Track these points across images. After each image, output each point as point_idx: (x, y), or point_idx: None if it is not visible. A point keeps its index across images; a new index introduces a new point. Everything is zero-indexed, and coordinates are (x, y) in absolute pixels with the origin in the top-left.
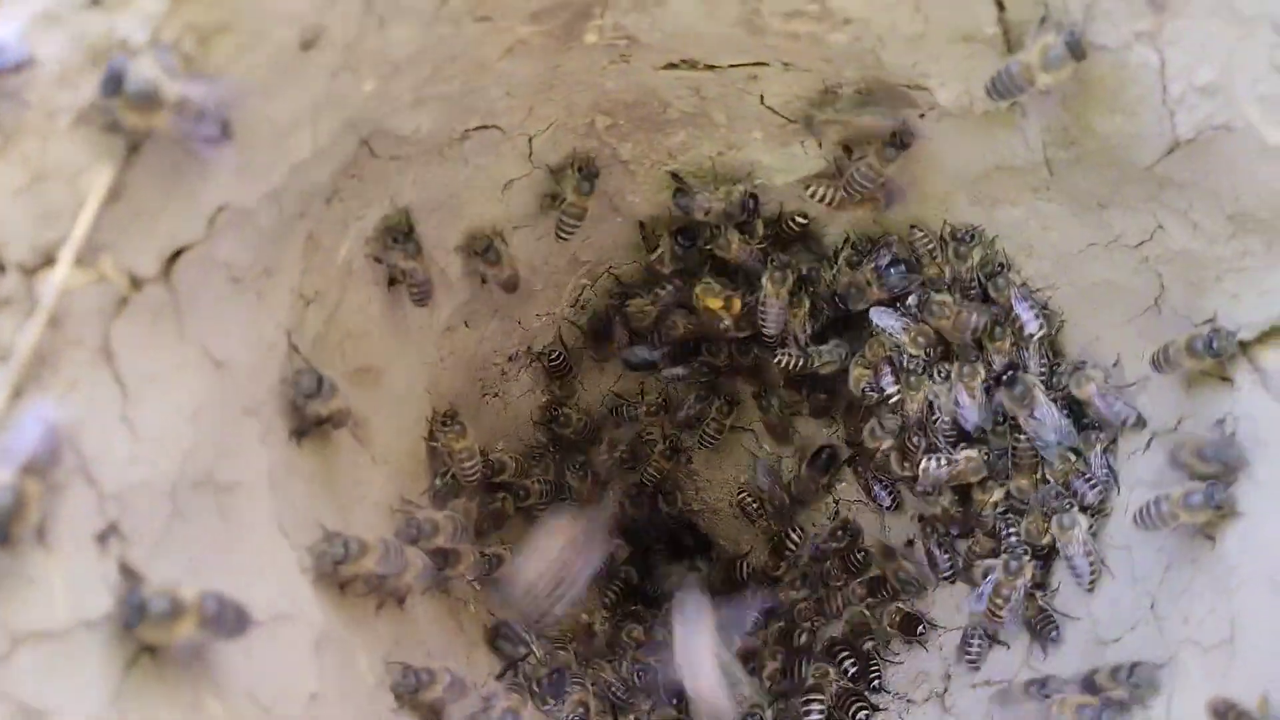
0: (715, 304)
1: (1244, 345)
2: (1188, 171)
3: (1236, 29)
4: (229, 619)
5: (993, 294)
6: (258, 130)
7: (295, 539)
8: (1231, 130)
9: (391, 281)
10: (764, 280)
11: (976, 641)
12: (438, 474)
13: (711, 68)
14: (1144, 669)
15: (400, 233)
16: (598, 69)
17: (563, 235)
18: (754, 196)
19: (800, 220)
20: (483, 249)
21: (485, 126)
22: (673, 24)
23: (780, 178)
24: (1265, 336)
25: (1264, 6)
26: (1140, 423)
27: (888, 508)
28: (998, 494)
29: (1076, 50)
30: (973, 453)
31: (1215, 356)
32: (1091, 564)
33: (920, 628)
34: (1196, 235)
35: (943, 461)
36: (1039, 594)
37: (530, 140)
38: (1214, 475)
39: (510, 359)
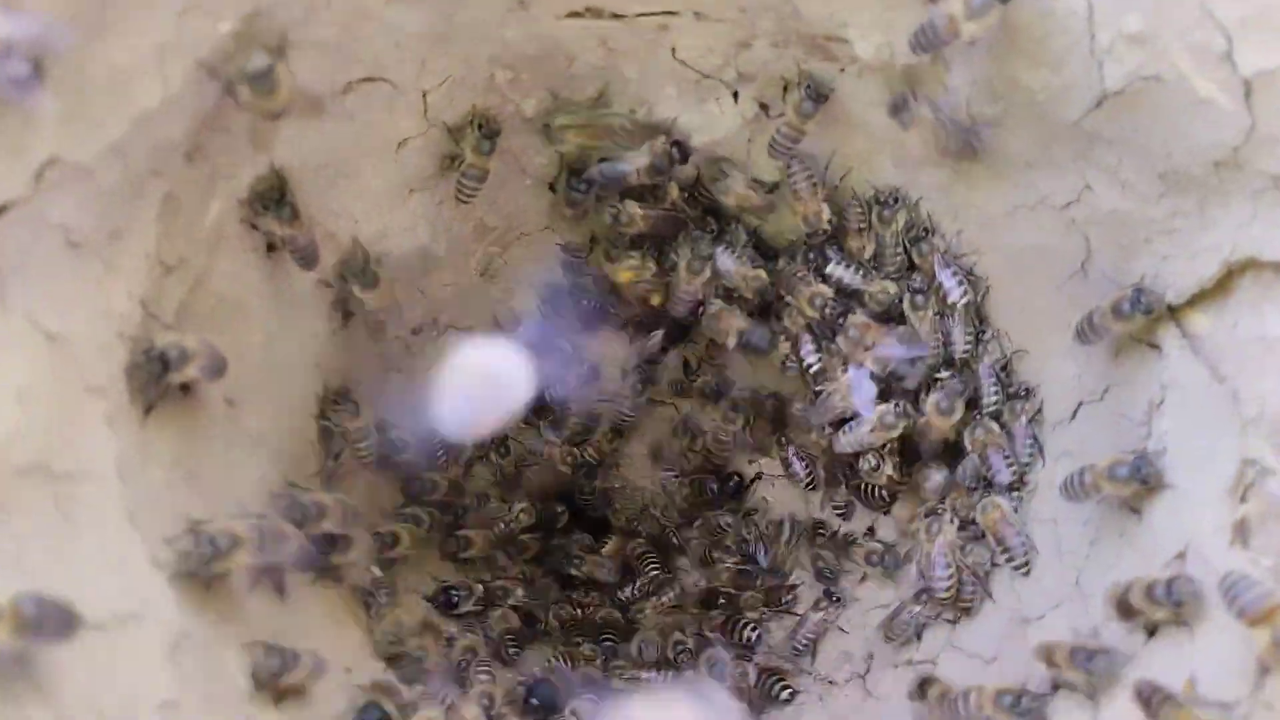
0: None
1: (1172, 310)
2: (1117, 126)
3: None
4: (51, 622)
5: (916, 260)
6: (89, 74)
7: (149, 532)
8: (1162, 82)
9: (270, 247)
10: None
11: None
12: (330, 455)
13: (618, 16)
14: (1104, 659)
15: (270, 199)
16: (495, 18)
17: (462, 198)
18: (678, 144)
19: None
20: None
21: (372, 79)
22: None
23: (698, 137)
24: (1195, 300)
25: None
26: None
27: (807, 485)
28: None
29: None
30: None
31: (1146, 313)
32: (1023, 545)
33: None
34: (1126, 195)
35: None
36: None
37: (425, 96)
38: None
39: (415, 331)
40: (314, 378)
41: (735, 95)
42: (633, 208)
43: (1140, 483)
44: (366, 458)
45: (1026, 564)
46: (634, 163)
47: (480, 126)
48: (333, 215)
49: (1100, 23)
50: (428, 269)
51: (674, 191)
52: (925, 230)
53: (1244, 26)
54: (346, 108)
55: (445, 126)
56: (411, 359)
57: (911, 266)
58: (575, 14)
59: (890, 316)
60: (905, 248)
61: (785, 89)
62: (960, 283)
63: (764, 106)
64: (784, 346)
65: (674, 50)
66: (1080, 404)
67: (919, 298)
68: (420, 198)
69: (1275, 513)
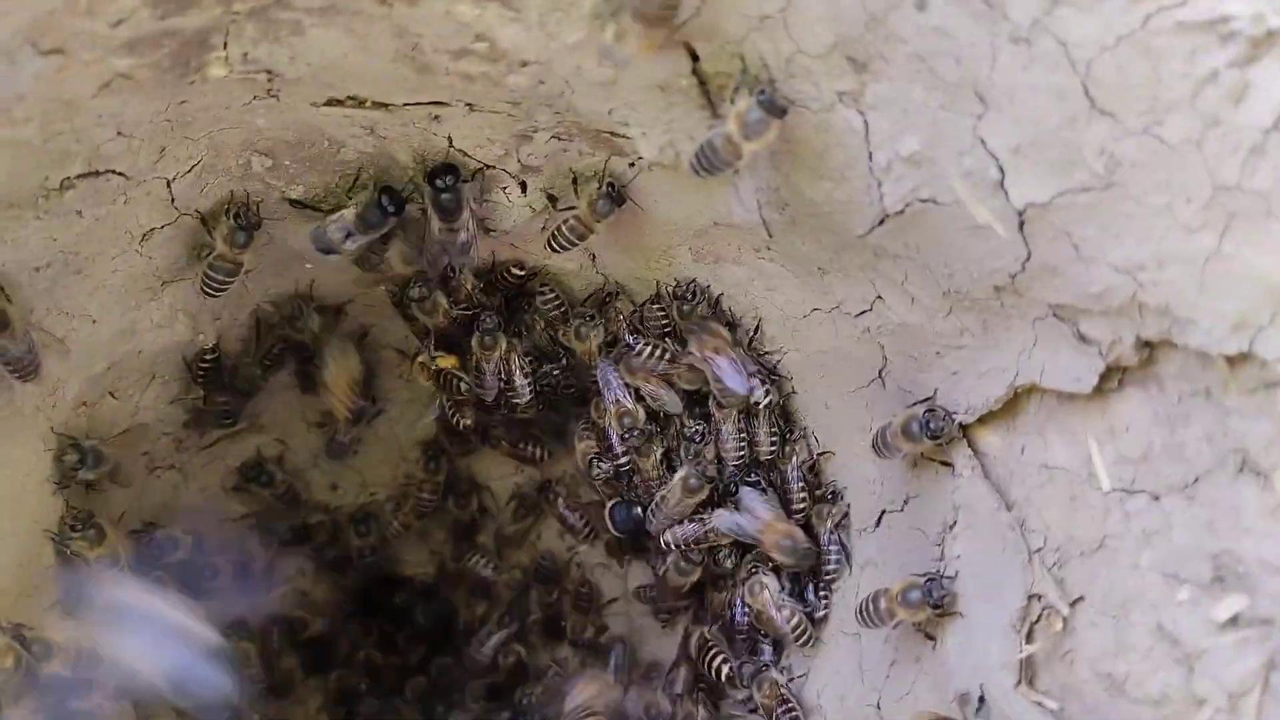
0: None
1: (964, 427)
2: (900, 243)
3: (940, 95)
4: None
5: None
6: None
7: None
8: (940, 205)
9: None
10: (473, 343)
11: None
12: (72, 584)
13: (384, 105)
14: None
15: None
16: (240, 105)
17: (209, 292)
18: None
19: (517, 271)
20: None
21: (96, 173)
22: (318, 58)
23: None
24: (985, 419)
25: (965, 70)
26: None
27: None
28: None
29: (774, 108)
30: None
31: (934, 439)
32: (795, 623)
33: None
34: (914, 309)
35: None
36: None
37: (169, 184)
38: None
39: (186, 424)
40: (48, 498)
41: (523, 186)
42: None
43: (933, 607)
44: None
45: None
46: (344, 219)
47: (237, 216)
48: (63, 317)
49: (877, 142)
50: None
51: (441, 304)
52: (728, 325)
53: (1016, 156)
54: (66, 203)
55: (199, 214)
56: (183, 454)
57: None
58: (335, 102)
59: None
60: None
61: (574, 181)
62: (763, 382)
63: (552, 199)
64: (588, 444)
65: (450, 139)
66: (884, 512)
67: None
68: (175, 289)
69: (1060, 653)
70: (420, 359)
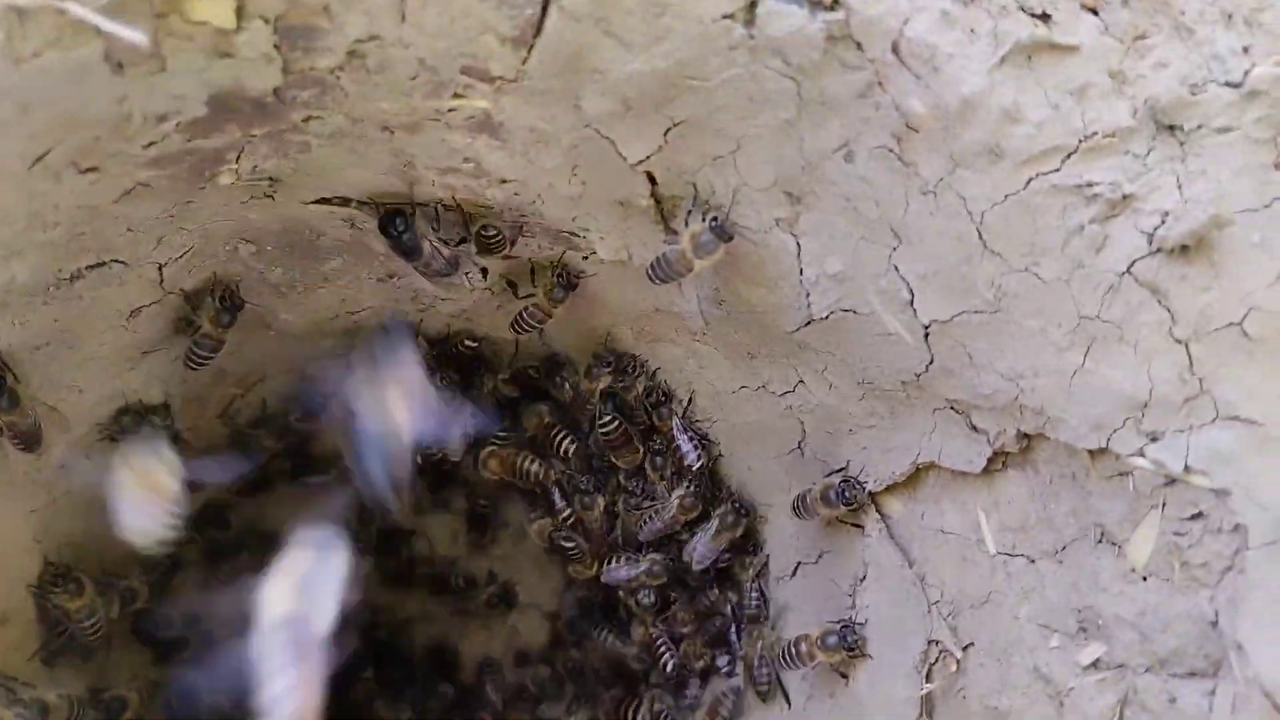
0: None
1: (872, 495)
2: (822, 341)
3: (861, 228)
4: None
5: (657, 423)
6: None
7: None
8: (858, 314)
9: None
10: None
11: None
12: (51, 633)
13: (366, 204)
14: None
15: None
16: (238, 204)
17: (192, 366)
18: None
19: (470, 343)
20: None
21: (102, 263)
22: (319, 169)
23: (445, 306)
24: (891, 488)
25: (883, 211)
26: None
27: None
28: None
29: (722, 233)
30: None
31: (847, 505)
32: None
33: None
34: (832, 393)
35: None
36: None
37: (160, 268)
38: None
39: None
40: (33, 554)
41: (484, 272)
42: None
43: (847, 650)
44: (94, 636)
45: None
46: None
47: (222, 299)
48: (56, 389)
49: (807, 261)
50: None
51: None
52: (665, 395)
53: (923, 281)
54: (74, 290)
55: (183, 293)
56: None
57: (652, 430)
58: (324, 200)
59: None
60: (647, 411)
61: (532, 271)
62: (695, 447)
63: (511, 284)
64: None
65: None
66: (800, 563)
67: (658, 459)
68: (154, 358)
69: (954, 691)
70: None
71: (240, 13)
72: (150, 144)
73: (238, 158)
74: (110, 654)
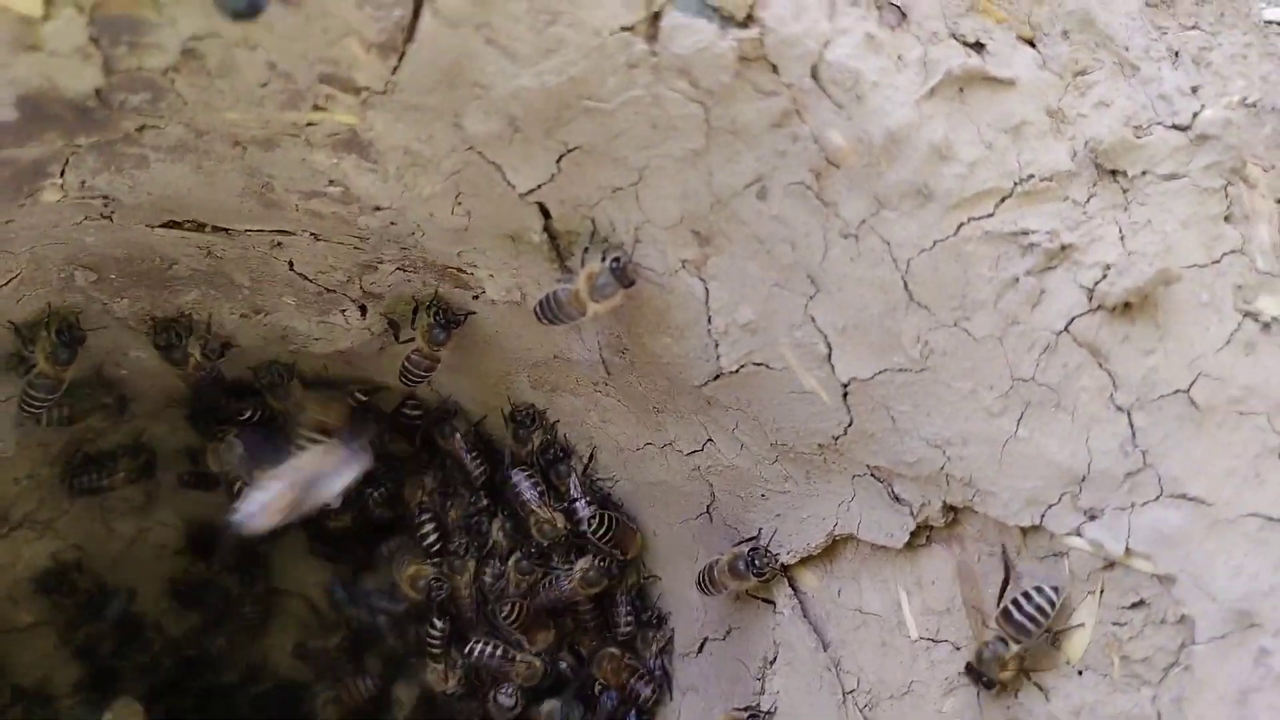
0: None
1: (785, 567)
2: (733, 397)
3: (775, 273)
4: None
5: (554, 480)
6: None
7: None
8: (771, 369)
9: None
10: None
11: None
12: None
13: (224, 230)
14: None
15: None
16: (70, 224)
17: (29, 409)
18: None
19: (360, 396)
20: None
21: None
22: (162, 189)
23: (319, 346)
24: (805, 561)
25: (799, 255)
26: None
27: None
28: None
29: (623, 277)
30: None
31: (758, 575)
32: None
33: None
34: (743, 454)
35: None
36: None
37: None
38: None
39: None
40: None
41: (363, 309)
42: None
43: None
44: None
45: None
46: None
47: (60, 333)
48: None
49: (716, 308)
50: None
51: None
52: (563, 451)
53: (842, 335)
54: None
55: (13, 325)
56: None
57: (549, 487)
58: (174, 225)
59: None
60: (542, 468)
61: (415, 310)
62: (589, 505)
63: (393, 324)
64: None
65: (291, 263)
66: (706, 639)
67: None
68: None
69: None
70: None
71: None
72: None
73: (62, 171)
74: None
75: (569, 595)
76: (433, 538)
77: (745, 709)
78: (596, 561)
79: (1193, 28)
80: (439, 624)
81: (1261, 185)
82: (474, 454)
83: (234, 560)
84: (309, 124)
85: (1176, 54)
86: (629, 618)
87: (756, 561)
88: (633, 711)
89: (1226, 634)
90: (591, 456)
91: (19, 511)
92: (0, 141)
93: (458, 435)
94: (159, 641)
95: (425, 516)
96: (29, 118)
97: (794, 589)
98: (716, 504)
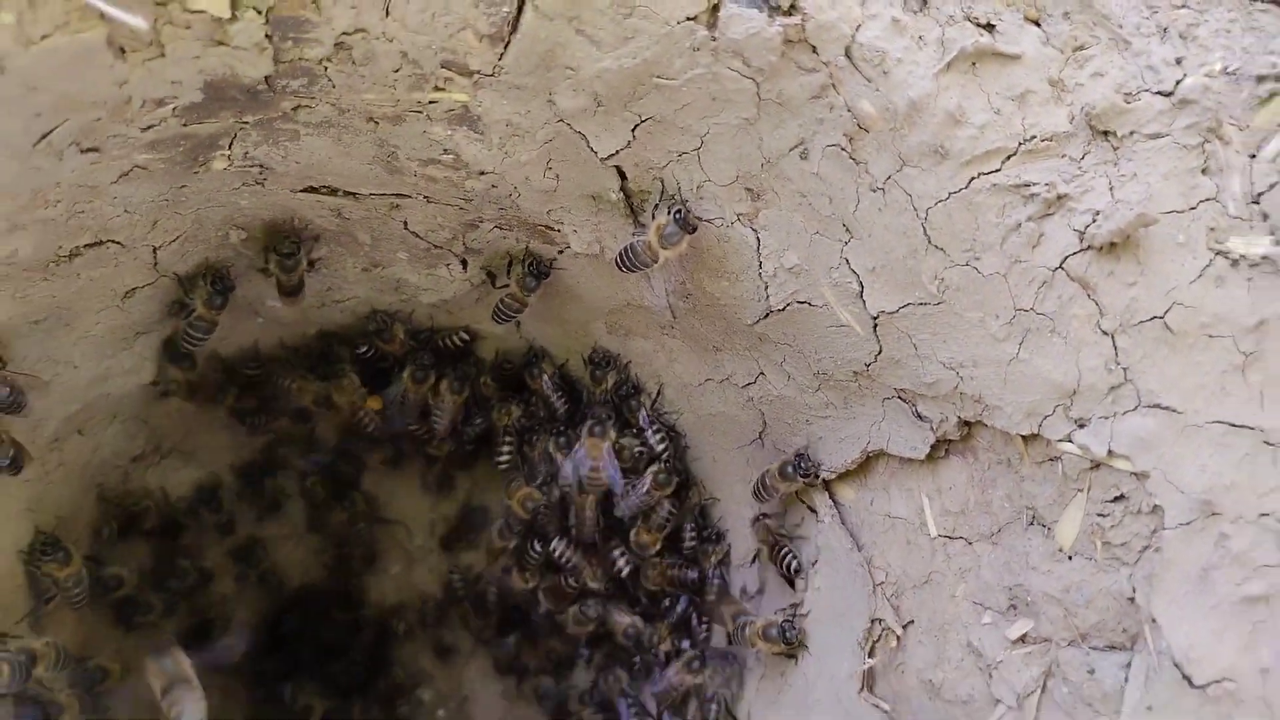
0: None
1: (826, 483)
2: (781, 333)
3: (816, 224)
4: None
5: (626, 414)
6: None
7: None
8: (813, 306)
9: None
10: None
11: None
12: (40, 600)
13: (352, 194)
14: None
15: None
16: (229, 189)
17: (187, 347)
18: None
19: (464, 337)
20: None
21: (100, 243)
22: (308, 158)
23: (427, 297)
24: (843, 476)
25: (835, 208)
26: None
27: None
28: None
29: (685, 224)
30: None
31: (804, 476)
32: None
33: None
34: (790, 384)
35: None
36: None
37: (155, 251)
38: None
39: (135, 459)
40: (23, 523)
41: (464, 263)
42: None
43: (784, 644)
44: (79, 603)
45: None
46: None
47: (214, 282)
48: (50, 363)
49: (766, 254)
50: (149, 401)
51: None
52: (635, 388)
53: (872, 275)
54: (72, 268)
55: (176, 276)
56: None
57: (621, 416)
58: (311, 189)
59: None
60: (615, 402)
61: (510, 263)
62: (662, 438)
63: (490, 275)
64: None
65: (405, 223)
66: (759, 550)
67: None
68: (146, 339)
69: (894, 665)
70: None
71: (235, 4)
72: (148, 127)
73: (230, 144)
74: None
75: (646, 501)
76: (506, 457)
77: (781, 612)
78: (665, 465)
79: (1182, 6)
80: (542, 547)
81: (1236, 142)
82: (559, 392)
83: None
84: (430, 102)
85: (1165, 30)
86: (692, 534)
87: (802, 464)
88: (695, 615)
89: (1192, 521)
90: (659, 392)
91: (169, 441)
92: (186, 119)
93: (545, 376)
94: None
95: (506, 439)
96: (210, 99)
97: (834, 501)
98: (768, 430)
